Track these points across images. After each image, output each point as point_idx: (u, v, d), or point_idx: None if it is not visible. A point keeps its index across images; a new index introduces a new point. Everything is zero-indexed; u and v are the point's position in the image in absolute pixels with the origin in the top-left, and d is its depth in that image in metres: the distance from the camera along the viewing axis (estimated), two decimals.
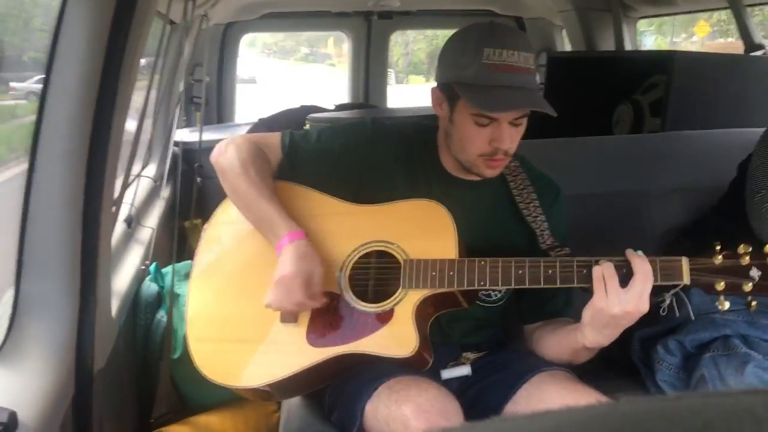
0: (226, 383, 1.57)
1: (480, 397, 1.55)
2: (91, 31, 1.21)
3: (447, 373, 1.60)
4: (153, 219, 2.39)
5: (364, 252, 1.56)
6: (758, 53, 2.85)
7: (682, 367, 1.81)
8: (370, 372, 1.48)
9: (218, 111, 4.40)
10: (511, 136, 1.51)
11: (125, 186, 1.83)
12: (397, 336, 1.48)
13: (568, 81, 3.46)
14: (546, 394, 1.46)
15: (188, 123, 3.81)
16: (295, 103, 3.99)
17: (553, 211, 1.65)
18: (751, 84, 2.76)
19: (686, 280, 1.39)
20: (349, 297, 1.54)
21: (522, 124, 1.53)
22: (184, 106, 3.41)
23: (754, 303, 1.39)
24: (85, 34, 1.20)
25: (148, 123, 2.57)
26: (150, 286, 2.02)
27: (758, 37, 2.86)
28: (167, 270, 2.11)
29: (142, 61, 1.86)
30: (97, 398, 1.39)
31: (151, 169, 2.88)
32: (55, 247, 1.29)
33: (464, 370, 1.61)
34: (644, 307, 1.37)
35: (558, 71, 3.60)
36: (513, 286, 1.47)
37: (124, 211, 2.08)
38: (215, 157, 1.66)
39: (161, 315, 2.01)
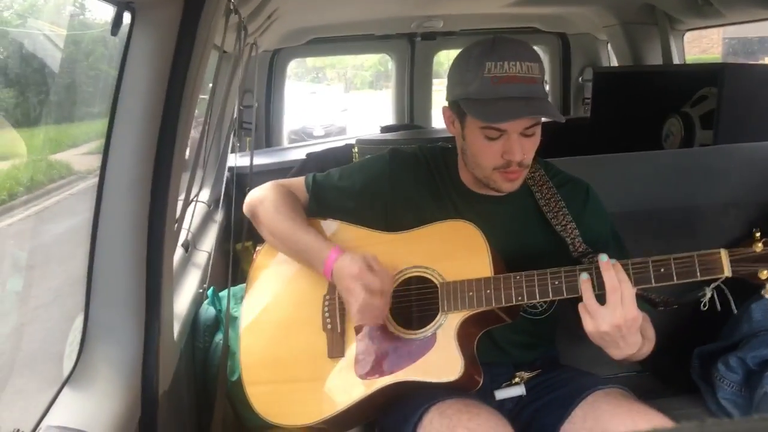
0: (283, 423, 1.62)
1: (535, 418, 1.54)
2: (154, 66, 1.26)
3: (501, 394, 1.59)
4: (208, 243, 2.45)
5: (402, 279, 1.58)
6: None
7: (744, 385, 1.77)
8: (419, 396, 1.47)
9: (267, 135, 4.49)
10: (522, 147, 1.50)
11: (184, 210, 1.88)
12: (442, 360, 1.48)
13: (616, 96, 3.43)
14: (601, 413, 1.43)
15: (240, 148, 3.89)
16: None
17: (587, 213, 1.63)
18: None
19: (727, 272, 1.32)
20: (392, 326, 1.56)
21: (534, 134, 1.52)
22: (236, 131, 3.49)
23: None
24: (148, 68, 1.26)
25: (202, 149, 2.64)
26: (208, 310, 2.05)
27: None
28: (224, 293, 2.15)
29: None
30: (162, 420, 1.41)
31: (205, 194, 2.95)
32: (122, 274, 1.33)
33: (518, 390, 1.59)
34: (631, 314, 1.34)
35: (605, 86, 3.58)
36: (551, 298, 1.45)
37: (181, 236, 2.14)
38: (248, 207, 1.73)
39: (219, 338, 2.03)
